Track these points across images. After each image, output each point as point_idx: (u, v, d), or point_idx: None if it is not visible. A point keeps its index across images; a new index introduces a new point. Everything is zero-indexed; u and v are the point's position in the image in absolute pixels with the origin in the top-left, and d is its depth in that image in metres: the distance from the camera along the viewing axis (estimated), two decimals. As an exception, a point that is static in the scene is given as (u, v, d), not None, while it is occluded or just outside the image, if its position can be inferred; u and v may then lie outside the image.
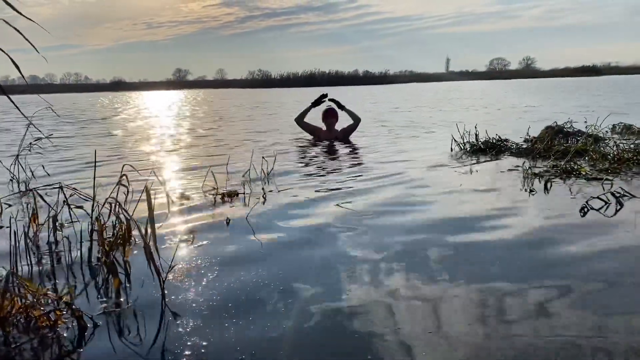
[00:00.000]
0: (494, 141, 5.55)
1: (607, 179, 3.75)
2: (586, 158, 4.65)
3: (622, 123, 6.90)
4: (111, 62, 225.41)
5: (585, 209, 3.04)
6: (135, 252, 2.42)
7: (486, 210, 3.14)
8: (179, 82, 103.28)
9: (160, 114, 16.57)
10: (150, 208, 1.95)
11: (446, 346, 1.56)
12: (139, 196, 2.51)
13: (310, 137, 7.45)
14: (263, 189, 3.75)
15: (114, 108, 22.75)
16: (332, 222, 2.97)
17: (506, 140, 5.63)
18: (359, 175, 4.44)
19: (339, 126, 7.42)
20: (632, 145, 4.93)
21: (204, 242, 2.63)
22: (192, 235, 2.74)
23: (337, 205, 3.35)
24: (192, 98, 36.60)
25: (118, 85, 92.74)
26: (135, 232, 2.42)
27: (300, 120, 7.42)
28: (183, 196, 3.67)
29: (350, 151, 6.21)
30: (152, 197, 2.02)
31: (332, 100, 7.15)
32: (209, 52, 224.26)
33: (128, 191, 2.30)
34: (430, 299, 1.89)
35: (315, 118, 7.52)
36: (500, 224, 2.83)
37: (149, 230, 1.98)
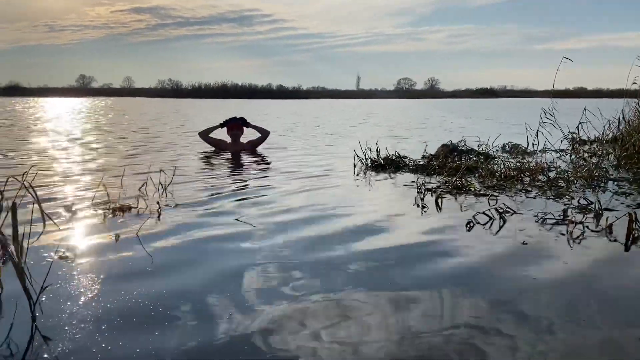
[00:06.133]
0: (393, 158, 5.75)
1: (492, 195, 3.99)
2: (476, 175, 4.92)
3: (511, 142, 7.41)
4: (7, 65, 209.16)
5: (471, 224, 3.21)
6: (11, 271, 2.23)
7: (379, 222, 3.27)
8: (83, 89, 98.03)
9: (58, 122, 15.59)
10: (15, 225, 1.81)
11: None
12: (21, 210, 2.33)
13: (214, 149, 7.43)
14: (158, 203, 3.61)
15: (7, 113, 21.12)
16: (229, 237, 2.91)
17: (404, 157, 5.85)
18: (261, 189, 4.41)
19: (248, 140, 7.54)
20: (517, 164, 5.31)
21: (87, 260, 2.48)
22: (74, 253, 2.58)
23: (236, 219, 3.30)
24: (95, 106, 34.86)
25: (14, 90, 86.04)
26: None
27: (204, 135, 7.48)
28: (69, 210, 3.45)
29: (255, 164, 6.17)
30: (43, 210, 1.88)
31: (239, 118, 7.41)
32: (116, 59, 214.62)
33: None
34: (336, 310, 1.90)
35: (225, 137, 7.61)
36: (392, 237, 2.93)
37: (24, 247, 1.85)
